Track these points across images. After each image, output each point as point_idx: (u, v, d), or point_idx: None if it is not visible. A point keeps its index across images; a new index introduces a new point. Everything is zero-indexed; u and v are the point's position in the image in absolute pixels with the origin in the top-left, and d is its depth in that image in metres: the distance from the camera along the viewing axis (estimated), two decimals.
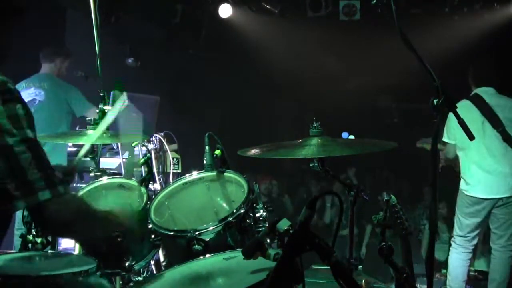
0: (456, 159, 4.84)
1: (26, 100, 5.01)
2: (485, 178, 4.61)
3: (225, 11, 7.62)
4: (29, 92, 5.13)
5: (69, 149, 5.11)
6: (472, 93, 4.77)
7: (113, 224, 2.05)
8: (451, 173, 5.17)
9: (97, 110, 4.97)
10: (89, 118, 3.38)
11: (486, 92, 4.70)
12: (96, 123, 3.37)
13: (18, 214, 4.48)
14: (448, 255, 4.91)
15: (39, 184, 1.67)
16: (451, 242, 4.87)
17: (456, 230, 4.78)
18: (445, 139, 4.74)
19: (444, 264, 6.11)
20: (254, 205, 2.79)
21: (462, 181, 4.75)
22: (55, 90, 5.19)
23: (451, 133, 4.68)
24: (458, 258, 4.74)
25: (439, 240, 6.54)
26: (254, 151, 2.83)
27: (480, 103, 4.64)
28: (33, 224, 2.77)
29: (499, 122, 4.56)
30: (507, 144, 4.55)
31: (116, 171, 4.56)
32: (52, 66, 5.40)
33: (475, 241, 4.79)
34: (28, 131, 1.69)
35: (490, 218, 4.69)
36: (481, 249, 6.05)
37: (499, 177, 4.58)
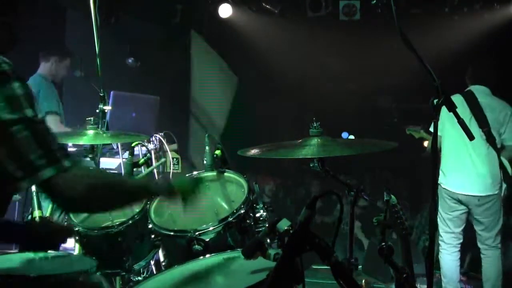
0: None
1: None
2: (462, 174, 4.65)
3: (225, 11, 7.62)
4: None
5: (69, 149, 5.11)
6: (467, 89, 4.79)
7: (150, 194, 1.96)
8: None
9: (51, 121, 5.00)
10: (89, 118, 3.38)
11: (480, 91, 4.71)
12: (96, 122, 3.38)
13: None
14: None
15: (40, 162, 1.62)
16: (439, 242, 4.85)
17: (441, 227, 4.78)
18: (431, 129, 4.75)
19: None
20: (254, 205, 2.79)
21: (441, 174, 4.76)
22: (33, 89, 5.16)
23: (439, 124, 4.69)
24: (449, 259, 4.76)
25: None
26: (254, 151, 2.83)
27: (471, 100, 4.66)
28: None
29: (486, 122, 4.58)
30: (490, 144, 4.58)
31: (116, 171, 4.56)
32: (47, 66, 5.40)
33: (461, 238, 4.79)
34: (27, 111, 1.64)
35: (473, 221, 4.71)
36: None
37: (476, 175, 4.61)
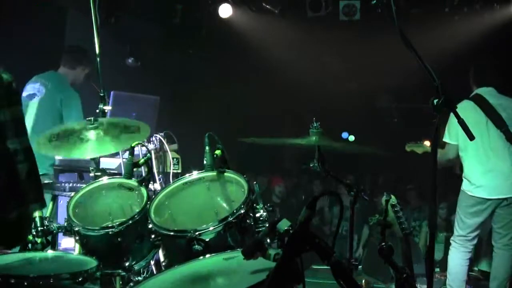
0: (455, 160, 4.83)
1: (27, 93, 4.98)
2: (489, 178, 4.61)
3: (225, 11, 7.62)
4: (34, 86, 5.09)
5: None
6: (473, 93, 4.77)
7: None
8: (451, 173, 5.15)
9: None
10: (90, 118, 3.37)
11: (487, 92, 4.70)
12: (96, 121, 3.36)
13: None
14: (443, 254, 4.90)
15: (31, 196, 1.62)
16: (451, 241, 4.86)
17: (457, 230, 4.77)
18: (446, 139, 4.72)
19: (439, 264, 6.12)
20: (254, 205, 2.79)
21: (465, 181, 4.73)
22: (55, 91, 5.13)
23: (453, 133, 4.66)
24: (458, 257, 4.74)
25: (436, 240, 6.53)
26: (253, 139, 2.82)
27: (482, 103, 4.64)
28: (33, 224, 2.77)
29: (503, 122, 4.57)
30: (511, 143, 4.56)
31: (116, 171, 4.56)
32: (72, 73, 5.25)
33: (475, 241, 4.79)
34: (27, 138, 1.64)
35: (493, 217, 4.68)
36: (485, 249, 6.03)
37: (503, 177, 4.59)
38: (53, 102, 5.06)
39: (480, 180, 4.64)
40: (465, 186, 4.73)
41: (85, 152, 3.27)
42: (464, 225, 4.72)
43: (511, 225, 4.63)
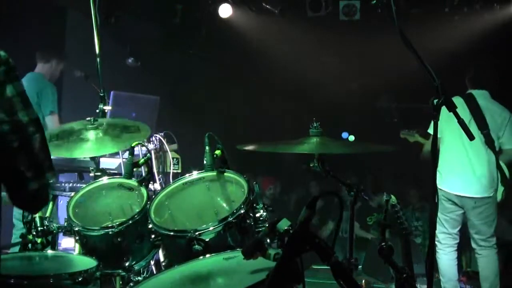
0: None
1: None
2: (459, 175, 4.66)
3: (225, 11, 7.62)
4: None
5: None
6: (467, 92, 4.81)
7: None
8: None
9: (53, 121, 5.05)
10: (89, 118, 3.37)
11: (480, 94, 4.75)
12: (96, 121, 3.37)
13: (17, 215, 4.49)
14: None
15: (46, 165, 1.65)
16: (436, 243, 4.85)
17: (438, 227, 4.78)
18: (429, 130, 4.74)
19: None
20: (254, 205, 2.79)
21: (437, 174, 4.75)
22: (30, 88, 5.16)
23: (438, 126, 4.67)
24: (447, 259, 4.77)
25: None
26: (252, 146, 2.83)
27: (471, 102, 4.68)
28: (33, 224, 2.77)
29: (485, 125, 4.61)
30: (488, 147, 4.60)
31: (116, 171, 4.56)
32: (47, 67, 5.41)
33: (458, 238, 4.81)
34: (33, 109, 1.66)
35: (468, 223, 4.71)
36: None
37: (473, 177, 4.62)
38: (31, 98, 5.09)
39: (450, 175, 4.68)
40: (437, 179, 4.75)
41: (86, 151, 3.28)
42: (441, 221, 4.76)
43: (486, 228, 4.64)
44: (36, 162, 1.61)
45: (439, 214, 4.75)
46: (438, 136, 4.59)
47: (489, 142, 4.60)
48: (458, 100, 4.65)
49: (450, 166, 4.68)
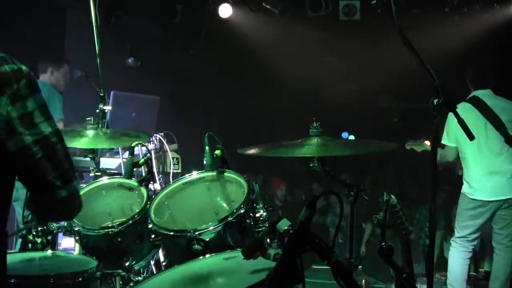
0: (455, 161, 4.82)
1: None
2: (490, 180, 4.60)
3: (225, 11, 7.62)
4: None
5: None
6: (471, 95, 4.77)
7: None
8: (452, 175, 5.14)
9: (61, 127, 5.12)
10: (89, 118, 3.38)
11: (485, 94, 4.70)
12: (96, 122, 3.38)
13: (18, 217, 4.49)
14: (437, 256, 4.88)
15: (72, 173, 1.70)
16: (451, 241, 4.86)
17: (458, 231, 4.77)
18: (444, 141, 4.70)
19: (437, 264, 6.12)
20: (254, 205, 2.79)
21: (465, 184, 4.71)
22: None
23: (452, 135, 4.64)
24: (458, 257, 4.74)
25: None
26: (253, 150, 2.83)
27: (480, 105, 4.64)
28: (33, 224, 2.77)
29: (502, 124, 4.56)
30: (509, 145, 4.56)
31: (116, 171, 4.56)
32: (47, 76, 5.41)
33: (476, 242, 4.79)
34: (54, 121, 1.70)
35: (494, 219, 4.68)
36: (490, 251, 6.03)
37: (503, 179, 4.58)
38: None
39: (480, 182, 4.62)
40: (465, 188, 4.72)
41: (82, 144, 3.30)
42: (465, 227, 4.71)
43: (510, 226, 4.62)
44: (62, 171, 1.65)
45: (464, 220, 4.71)
46: (455, 145, 4.64)
47: (509, 140, 4.56)
48: (466, 106, 4.62)
49: (477, 174, 4.63)
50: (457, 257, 4.75)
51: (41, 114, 1.64)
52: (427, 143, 4.92)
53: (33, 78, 1.67)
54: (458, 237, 4.75)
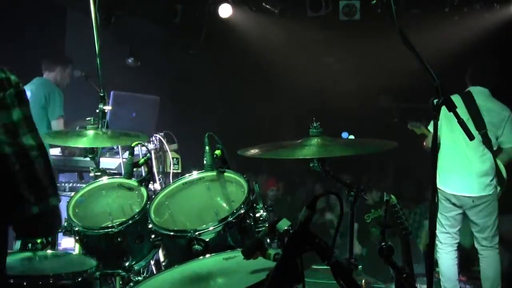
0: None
1: None
2: (457, 175, 4.66)
3: (225, 11, 7.62)
4: None
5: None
6: (466, 90, 4.79)
7: None
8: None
9: (60, 124, 5.15)
10: (89, 118, 3.39)
11: (478, 92, 4.71)
12: (95, 122, 3.38)
13: None
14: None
15: (50, 190, 1.66)
16: (436, 242, 4.85)
17: (438, 227, 4.78)
18: (429, 127, 4.74)
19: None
20: (254, 205, 2.79)
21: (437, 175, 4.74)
22: (39, 90, 5.25)
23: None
24: (447, 258, 4.77)
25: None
26: (253, 151, 2.83)
27: (469, 101, 4.66)
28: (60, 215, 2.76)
29: (483, 125, 4.59)
30: (485, 146, 4.59)
31: (116, 171, 4.56)
32: (52, 75, 5.48)
33: (458, 238, 4.81)
34: (38, 134, 1.67)
35: (470, 223, 4.72)
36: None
37: (471, 176, 4.61)
38: (38, 101, 5.17)
39: (449, 175, 4.67)
40: (437, 180, 4.74)
41: (81, 143, 3.31)
42: (441, 221, 4.76)
43: (487, 226, 4.64)
44: (38, 187, 1.62)
45: (438, 214, 4.76)
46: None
47: (487, 142, 4.60)
48: (456, 99, 4.63)
49: (448, 165, 4.68)
50: (445, 258, 4.78)
51: (25, 126, 1.61)
52: (425, 129, 4.99)
53: (21, 89, 1.65)
54: (440, 233, 4.76)
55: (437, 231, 4.79)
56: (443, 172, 4.69)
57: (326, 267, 1.70)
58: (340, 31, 7.63)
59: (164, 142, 4.35)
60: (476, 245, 4.75)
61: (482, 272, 4.73)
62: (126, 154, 3.37)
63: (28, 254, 2.62)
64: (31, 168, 1.61)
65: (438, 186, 4.68)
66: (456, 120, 4.28)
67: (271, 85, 9.41)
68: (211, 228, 2.57)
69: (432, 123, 4.65)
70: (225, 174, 2.97)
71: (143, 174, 3.28)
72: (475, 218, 4.66)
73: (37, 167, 1.62)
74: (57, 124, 5.24)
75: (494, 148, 4.65)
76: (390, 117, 10.10)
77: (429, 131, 5.00)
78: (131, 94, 5.44)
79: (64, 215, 2.92)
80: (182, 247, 2.57)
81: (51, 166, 1.68)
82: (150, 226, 2.76)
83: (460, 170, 4.66)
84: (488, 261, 4.66)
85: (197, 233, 2.55)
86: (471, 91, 4.74)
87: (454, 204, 4.70)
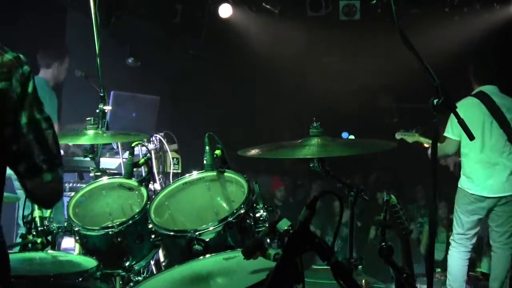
0: (452, 155, 4.83)
1: None
2: (490, 177, 4.61)
3: (225, 11, 7.62)
4: None
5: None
6: (477, 90, 4.73)
7: None
8: (446, 172, 5.14)
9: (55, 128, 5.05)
10: (89, 118, 3.39)
11: (492, 91, 4.68)
12: (95, 122, 3.38)
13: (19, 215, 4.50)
14: (445, 254, 4.88)
15: (59, 159, 1.76)
16: (450, 241, 4.86)
17: (456, 228, 4.77)
18: (447, 134, 4.67)
19: (440, 264, 6.12)
20: (254, 205, 2.79)
21: (464, 178, 4.71)
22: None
23: (456, 129, 4.58)
24: (458, 258, 4.74)
25: (437, 240, 6.53)
26: (254, 151, 2.83)
27: (487, 101, 4.62)
28: (33, 224, 2.77)
29: (507, 122, 4.57)
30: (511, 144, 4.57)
31: (116, 171, 4.56)
32: (49, 72, 5.26)
33: (474, 240, 4.79)
34: (44, 109, 1.76)
35: (490, 216, 4.69)
36: (486, 250, 6.03)
37: (502, 177, 4.59)
38: None
39: (479, 178, 4.64)
40: (463, 183, 4.72)
41: (81, 141, 3.31)
42: (463, 223, 4.72)
43: (508, 222, 4.63)
44: (49, 156, 1.72)
45: (461, 216, 4.72)
46: (457, 139, 4.63)
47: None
48: (473, 101, 4.61)
49: (477, 169, 4.64)
50: (457, 257, 4.75)
51: (35, 100, 1.72)
52: (420, 136, 4.92)
53: (29, 68, 1.75)
54: (457, 235, 4.75)
55: (454, 231, 4.78)
56: (475, 176, 4.65)
57: (326, 267, 1.70)
58: (340, 31, 7.63)
59: (164, 142, 4.35)
60: (492, 242, 4.75)
61: (492, 271, 4.74)
62: (126, 154, 3.38)
63: (28, 254, 2.63)
64: (43, 138, 1.71)
65: (469, 190, 4.65)
66: (483, 123, 4.27)
67: (271, 85, 9.41)
68: (211, 228, 2.58)
69: (450, 130, 4.65)
70: (225, 174, 2.97)
71: (143, 174, 3.28)
72: (501, 211, 4.63)
73: (48, 138, 1.72)
74: None
75: None
76: (390, 117, 10.09)
77: (425, 138, 4.93)
78: (131, 94, 5.44)
79: (64, 215, 2.93)
80: (182, 247, 2.57)
81: (57, 138, 1.78)
82: (150, 226, 2.76)
83: (491, 171, 4.61)
84: (501, 260, 4.66)
85: (197, 233, 2.55)
86: (485, 91, 4.69)
87: (483, 208, 4.65)
